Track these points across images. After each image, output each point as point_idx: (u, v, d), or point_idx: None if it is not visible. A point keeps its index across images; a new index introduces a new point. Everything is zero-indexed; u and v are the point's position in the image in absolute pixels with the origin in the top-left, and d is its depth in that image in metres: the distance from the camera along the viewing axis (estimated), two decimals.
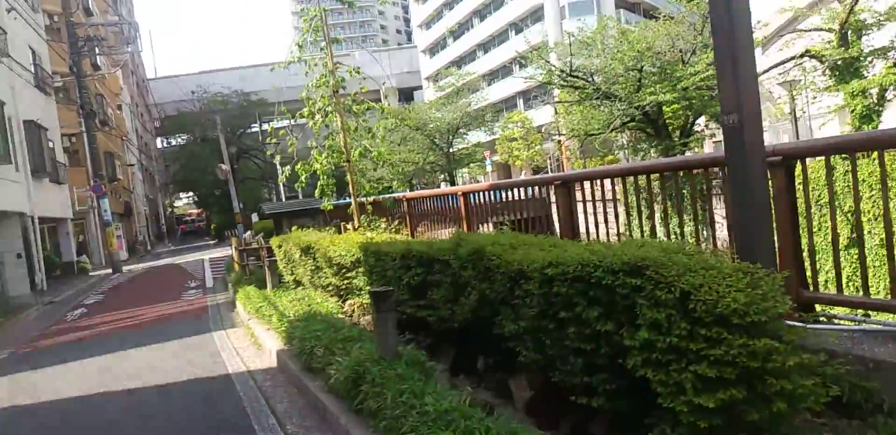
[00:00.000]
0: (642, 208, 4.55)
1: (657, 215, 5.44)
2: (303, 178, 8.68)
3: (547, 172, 37.98)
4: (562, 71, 20.18)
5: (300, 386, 5.23)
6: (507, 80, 44.24)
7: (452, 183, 38.63)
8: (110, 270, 22.51)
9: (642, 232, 4.76)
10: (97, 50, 25.55)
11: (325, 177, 8.73)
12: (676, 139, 19.69)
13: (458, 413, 3.13)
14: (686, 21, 18.82)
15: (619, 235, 4.89)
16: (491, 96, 44.78)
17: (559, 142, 30.85)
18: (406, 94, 61.57)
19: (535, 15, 43.90)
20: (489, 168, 39.26)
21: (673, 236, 4.57)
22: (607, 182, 4.79)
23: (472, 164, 41.13)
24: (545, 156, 39.19)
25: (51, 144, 20.96)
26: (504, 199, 6.33)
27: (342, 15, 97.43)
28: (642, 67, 18.42)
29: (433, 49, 61.33)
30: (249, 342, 7.65)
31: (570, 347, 3.30)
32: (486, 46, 51.52)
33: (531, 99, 38.94)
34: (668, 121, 20.54)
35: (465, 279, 4.31)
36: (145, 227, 44.43)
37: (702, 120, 21.91)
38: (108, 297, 15.16)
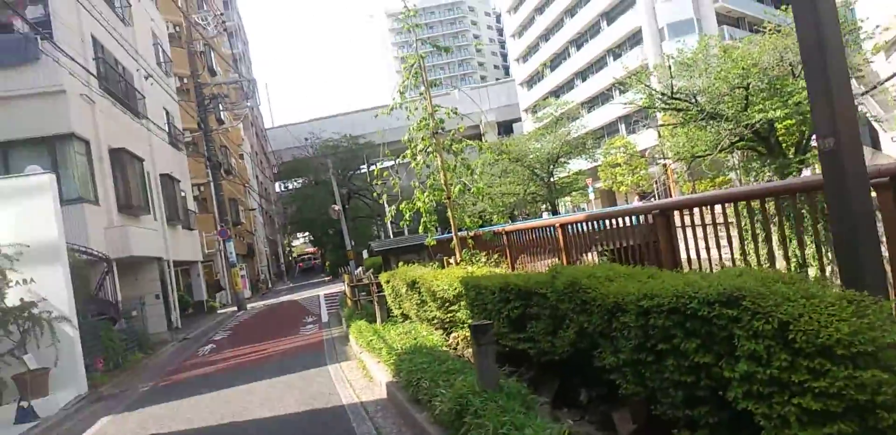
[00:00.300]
0: (757, 232, 4.40)
1: (775, 238, 5.20)
2: (407, 216, 9.06)
3: (654, 197, 36.80)
4: (662, 94, 19.76)
5: (408, 417, 5.41)
6: (607, 106, 43.71)
7: (555, 212, 38.35)
8: (236, 308, 24.12)
9: (759, 258, 4.58)
10: (221, 106, 28.03)
11: (427, 214, 9.06)
12: (792, 157, 18.59)
13: None
14: (794, 33, 17.92)
15: (732, 260, 4.73)
16: (591, 123, 44.41)
17: (664, 165, 29.93)
18: (505, 127, 62.39)
19: (633, 39, 43.34)
20: (592, 196, 38.62)
21: (794, 261, 4.39)
22: (713, 207, 4.70)
23: (574, 193, 40.73)
24: (651, 180, 38.11)
25: (182, 194, 23.03)
26: (606, 228, 6.30)
27: (442, 56, 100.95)
28: (749, 85, 17.68)
29: (530, 81, 61.90)
30: (361, 374, 7.97)
31: (671, 379, 3.27)
32: (583, 74, 51.36)
33: (633, 123, 38.23)
34: (781, 138, 19.48)
35: (563, 312, 4.36)
36: (266, 266, 47.28)
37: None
38: (234, 333, 16.25)
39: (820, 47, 3.00)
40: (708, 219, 4.75)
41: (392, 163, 10.39)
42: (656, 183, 38.96)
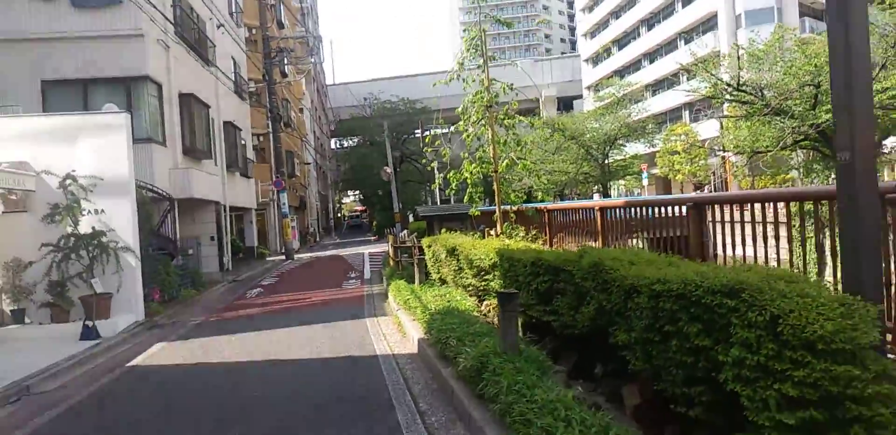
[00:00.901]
0: (781, 233, 4.60)
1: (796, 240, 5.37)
2: (453, 185, 9.42)
3: (709, 189, 36.10)
4: (728, 84, 19.32)
5: (434, 371, 5.89)
6: (673, 91, 42.62)
7: (605, 195, 38.04)
8: (284, 257, 25.17)
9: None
10: (286, 60, 28.60)
11: (473, 186, 9.40)
12: None
13: (561, 404, 3.56)
14: (876, 32, 17.16)
15: (766, 259, 4.93)
16: (653, 107, 43.43)
17: (723, 158, 29.29)
18: (565, 103, 61.52)
19: (708, 24, 41.85)
20: (645, 181, 38.08)
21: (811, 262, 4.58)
22: (742, 206, 4.90)
23: (627, 177, 40.23)
24: (708, 171, 37.29)
25: (243, 142, 23.88)
26: (643, 216, 6.52)
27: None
28: (820, 83, 17.14)
29: (596, 58, 60.57)
30: (396, 330, 8.50)
31: (673, 358, 3.59)
32: (651, 56, 49.99)
33: (697, 112, 37.22)
34: None
35: (586, 289, 4.69)
36: (316, 220, 48.59)
37: (890, 141, 19.85)
38: (280, 280, 17.11)
39: (847, 65, 3.15)
40: (740, 217, 4.96)
41: (445, 131, 10.69)
42: (714, 175, 38.15)
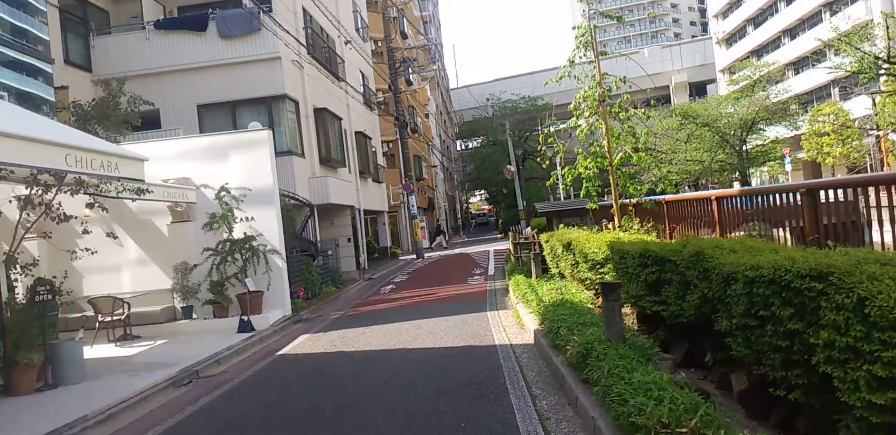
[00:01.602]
0: None
1: None
2: (567, 180, 9.59)
3: (864, 172, 32.86)
4: (877, 57, 17.66)
5: (547, 358, 6.18)
6: (816, 69, 39.19)
7: (745, 183, 35.78)
8: (415, 256, 26.34)
9: None
10: (410, 69, 29.84)
11: (588, 180, 9.50)
12: None
13: (655, 385, 3.73)
14: None
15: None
16: (795, 87, 40.21)
17: (877, 137, 26.62)
18: (698, 89, 58.51)
19: None
20: (788, 166, 35.34)
21: None
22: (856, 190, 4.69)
23: (770, 163, 37.56)
24: (864, 152, 33.90)
25: (373, 150, 25.29)
26: (760, 204, 6.37)
27: (632, 12, 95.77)
28: None
29: (730, 39, 56.93)
30: (515, 322, 8.85)
31: (770, 343, 3.65)
32: (792, 32, 46.21)
33: (844, 89, 33.95)
34: None
35: (689, 278, 4.78)
36: (444, 220, 49.96)
37: None
38: (411, 277, 18.03)
39: None
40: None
41: (562, 126, 10.82)
42: (870, 156, 34.69)
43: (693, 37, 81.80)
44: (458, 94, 63.68)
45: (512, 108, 46.53)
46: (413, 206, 27.39)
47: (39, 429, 5.29)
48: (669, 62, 62.21)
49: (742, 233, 6.65)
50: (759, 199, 6.14)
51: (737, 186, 35.11)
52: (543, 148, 10.46)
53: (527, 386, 5.58)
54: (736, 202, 6.85)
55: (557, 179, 10.91)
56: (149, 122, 14.49)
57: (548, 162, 10.99)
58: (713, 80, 57.80)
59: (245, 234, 11.05)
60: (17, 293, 7.59)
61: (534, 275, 11.03)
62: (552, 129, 10.34)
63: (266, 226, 11.35)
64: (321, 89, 18.83)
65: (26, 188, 7.95)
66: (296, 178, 15.73)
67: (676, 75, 61.19)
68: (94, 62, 16.09)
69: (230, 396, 6.43)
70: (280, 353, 8.52)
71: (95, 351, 8.99)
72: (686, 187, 37.90)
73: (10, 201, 8.34)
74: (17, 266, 7.65)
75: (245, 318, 10.17)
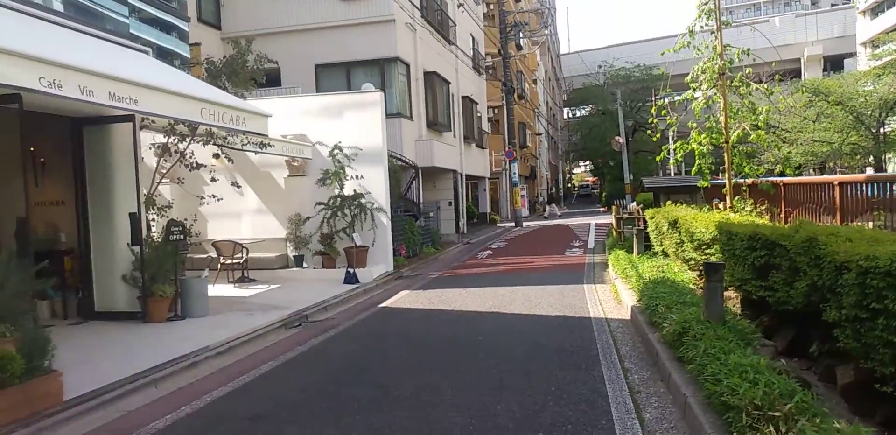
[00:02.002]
0: None
1: None
2: (678, 156, 9.31)
3: None
4: None
5: (642, 335, 6.21)
6: None
7: (880, 169, 32.83)
8: (513, 224, 26.50)
9: None
10: (521, 33, 29.33)
11: (701, 157, 9.19)
12: None
13: (751, 368, 3.73)
14: None
15: None
16: None
17: None
18: (833, 63, 53.69)
19: None
20: None
21: None
22: None
23: None
24: None
25: (478, 115, 25.35)
26: (890, 193, 6.00)
27: None
28: None
29: (876, 8, 51.43)
30: (612, 297, 8.85)
31: (881, 337, 3.54)
32: None
33: None
34: None
35: (799, 264, 4.64)
36: (545, 189, 49.57)
37: None
38: (508, 244, 18.24)
39: None
40: None
41: (675, 99, 10.46)
42: None
43: (833, 5, 74.48)
44: (568, 60, 61.86)
45: (625, 76, 44.71)
46: (515, 173, 27.37)
47: (173, 352, 6.02)
48: (803, 33, 57.15)
49: (869, 223, 6.31)
50: (890, 188, 5.78)
51: (869, 172, 32.31)
52: (655, 120, 10.16)
53: (619, 359, 5.66)
54: (862, 189, 6.48)
55: (668, 154, 10.56)
56: (271, 80, 15.24)
57: (659, 135, 10.66)
58: (852, 54, 52.67)
59: (355, 191, 11.60)
60: (153, 232, 8.44)
61: (635, 251, 10.91)
62: (666, 100, 10.01)
63: (374, 185, 11.84)
64: (432, 53, 19.00)
65: (164, 137, 8.75)
66: (403, 141, 16.14)
67: (810, 48, 56.23)
68: (223, 20, 17.05)
69: (335, 340, 6.95)
70: (382, 305, 9.03)
71: (217, 290, 9.88)
72: (810, 171, 35.33)
73: (149, 148, 9.18)
74: (155, 207, 8.49)
75: (351, 270, 10.78)
